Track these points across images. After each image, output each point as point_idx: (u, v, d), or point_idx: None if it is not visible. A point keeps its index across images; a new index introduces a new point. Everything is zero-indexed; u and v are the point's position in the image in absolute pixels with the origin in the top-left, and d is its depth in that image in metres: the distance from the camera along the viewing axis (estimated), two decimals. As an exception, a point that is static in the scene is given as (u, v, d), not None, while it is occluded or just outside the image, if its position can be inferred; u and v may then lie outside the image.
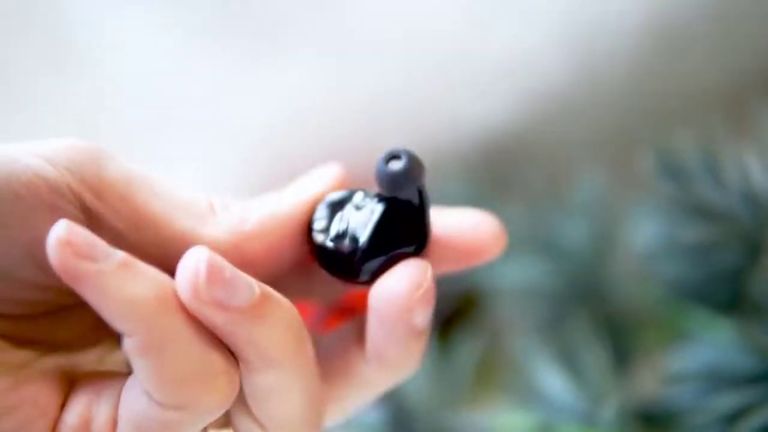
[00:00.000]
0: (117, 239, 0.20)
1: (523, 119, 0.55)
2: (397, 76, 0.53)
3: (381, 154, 0.21)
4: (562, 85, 0.54)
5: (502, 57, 0.53)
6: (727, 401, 0.34)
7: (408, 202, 0.21)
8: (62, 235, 0.18)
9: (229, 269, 0.19)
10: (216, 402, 0.19)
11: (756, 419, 0.33)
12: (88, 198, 0.20)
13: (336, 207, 0.22)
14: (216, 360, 0.19)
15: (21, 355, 0.20)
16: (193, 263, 0.19)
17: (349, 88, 0.54)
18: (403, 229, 0.21)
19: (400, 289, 0.21)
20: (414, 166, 0.20)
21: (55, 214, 0.19)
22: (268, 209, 0.22)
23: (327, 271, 0.22)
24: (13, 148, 0.19)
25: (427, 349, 0.42)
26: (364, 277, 0.21)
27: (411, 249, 0.21)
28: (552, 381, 0.39)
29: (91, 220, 0.20)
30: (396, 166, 0.20)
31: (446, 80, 0.54)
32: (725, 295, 0.38)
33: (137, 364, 0.19)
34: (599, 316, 0.42)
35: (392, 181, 0.20)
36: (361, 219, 0.21)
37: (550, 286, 0.44)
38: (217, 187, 0.56)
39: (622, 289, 0.44)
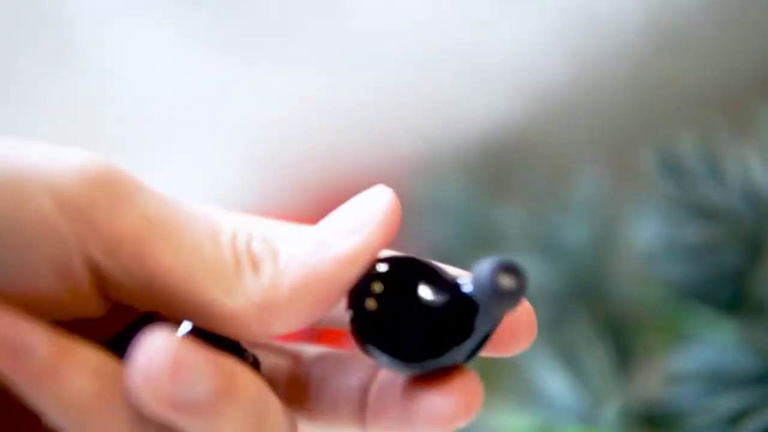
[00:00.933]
0: (127, 299, 0.18)
1: (523, 119, 0.55)
2: (397, 76, 0.53)
3: (491, 260, 0.17)
4: (562, 84, 0.54)
5: (502, 57, 0.53)
6: (728, 402, 0.34)
7: (488, 319, 0.18)
8: None
9: (191, 363, 0.16)
10: None
11: (757, 420, 0.33)
12: (98, 255, 0.17)
13: (395, 279, 0.18)
14: None
15: None
16: (146, 358, 0.16)
17: (348, 89, 0.54)
18: (469, 341, 0.18)
19: (451, 411, 0.18)
20: (525, 290, 0.18)
21: (58, 270, 0.17)
22: (306, 268, 0.18)
23: (368, 343, 0.18)
24: (27, 168, 0.17)
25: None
26: (415, 370, 0.19)
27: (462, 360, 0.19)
28: (553, 381, 0.38)
29: (98, 278, 0.17)
30: (509, 284, 0.17)
31: (446, 80, 0.54)
32: (727, 296, 0.37)
33: None
34: (600, 316, 0.42)
35: (499, 299, 0.17)
36: (432, 311, 0.18)
37: (550, 286, 0.44)
38: (216, 186, 0.56)
39: (623, 289, 0.43)
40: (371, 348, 0.18)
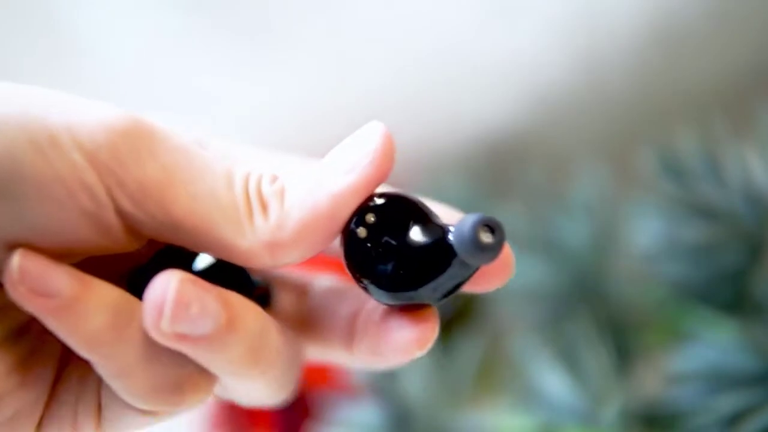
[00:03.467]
0: (156, 237, 0.20)
1: (524, 119, 0.55)
2: (397, 75, 0.53)
3: (474, 215, 0.19)
4: (562, 84, 0.54)
5: (502, 57, 0.53)
6: (728, 402, 0.34)
7: (464, 267, 0.20)
8: (15, 270, 0.18)
9: (197, 302, 0.18)
10: (191, 404, 0.20)
11: (757, 420, 0.33)
12: (125, 204, 0.19)
13: (386, 212, 0.20)
14: (185, 372, 0.20)
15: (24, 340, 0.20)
16: (158, 298, 0.18)
17: (348, 89, 0.54)
18: (446, 283, 0.20)
19: (406, 343, 0.21)
20: (501, 247, 0.19)
21: (92, 220, 0.19)
22: (308, 208, 0.20)
23: (351, 266, 0.20)
24: (57, 124, 0.18)
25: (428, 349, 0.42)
26: (390, 299, 0.20)
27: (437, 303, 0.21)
28: (553, 381, 0.38)
29: (127, 222, 0.19)
30: (487, 239, 0.18)
31: (447, 80, 0.54)
32: (727, 296, 0.38)
33: (109, 384, 0.20)
34: (600, 316, 0.42)
35: (476, 253, 0.19)
36: (417, 250, 0.20)
37: (550, 286, 0.44)
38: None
39: (623, 289, 0.43)
40: (357, 273, 0.20)
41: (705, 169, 0.38)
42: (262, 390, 0.22)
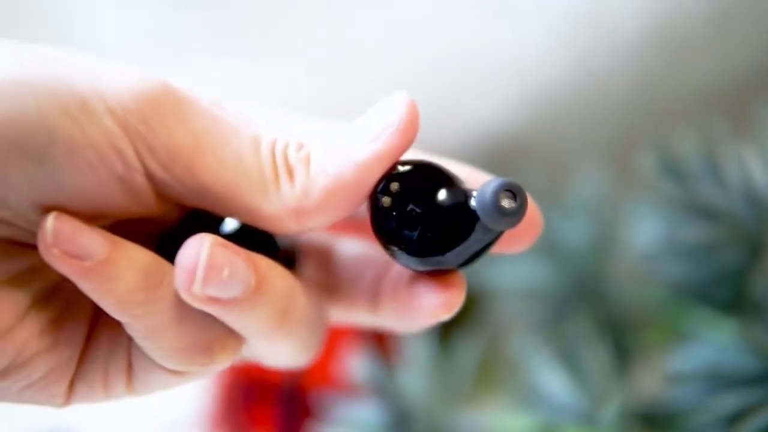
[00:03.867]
0: (184, 201, 0.20)
1: (524, 119, 0.55)
2: (396, 75, 0.53)
3: (496, 180, 0.19)
4: (562, 85, 0.54)
5: (502, 57, 0.53)
6: (727, 401, 0.34)
7: (487, 231, 0.20)
8: (49, 232, 0.18)
9: (228, 266, 0.19)
10: (219, 365, 0.21)
11: (756, 419, 0.33)
12: (155, 169, 0.19)
13: (410, 181, 0.20)
14: (213, 333, 0.20)
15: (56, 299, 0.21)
16: (190, 261, 0.19)
17: (350, 88, 0.54)
18: (470, 250, 0.20)
19: (434, 307, 0.21)
20: (523, 212, 0.19)
21: (123, 185, 0.19)
22: (333, 176, 0.20)
23: (378, 233, 0.21)
24: (89, 88, 0.18)
25: (428, 349, 0.42)
26: (417, 265, 0.20)
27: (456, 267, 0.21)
28: (552, 381, 0.38)
29: (157, 186, 0.19)
30: (508, 205, 0.19)
31: (448, 80, 0.54)
32: (726, 296, 0.38)
33: (140, 344, 0.20)
34: (600, 316, 0.42)
35: (498, 218, 0.19)
36: (442, 216, 0.20)
37: (550, 286, 0.44)
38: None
39: (623, 289, 0.43)
40: (384, 240, 0.20)
41: (705, 170, 0.38)
42: (288, 351, 0.22)
